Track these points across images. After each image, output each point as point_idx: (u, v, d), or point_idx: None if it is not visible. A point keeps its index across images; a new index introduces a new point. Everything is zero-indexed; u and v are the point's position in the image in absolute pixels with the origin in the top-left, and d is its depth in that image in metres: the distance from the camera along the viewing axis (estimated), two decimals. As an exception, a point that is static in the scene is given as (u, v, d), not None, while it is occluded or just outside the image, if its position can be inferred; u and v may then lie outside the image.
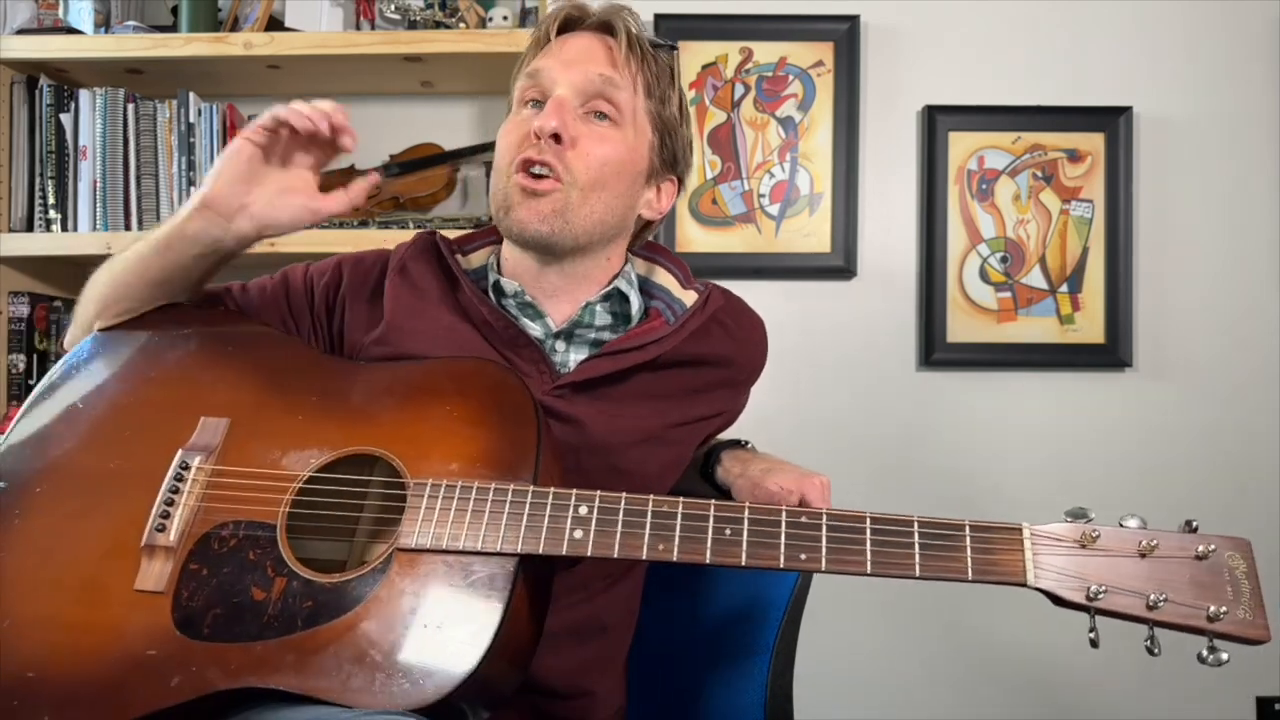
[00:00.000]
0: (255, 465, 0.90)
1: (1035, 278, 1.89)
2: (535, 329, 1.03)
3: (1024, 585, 0.79)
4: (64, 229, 1.83)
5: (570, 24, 1.03)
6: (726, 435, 1.15)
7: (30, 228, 1.85)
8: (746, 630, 1.07)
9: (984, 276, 1.89)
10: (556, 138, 0.96)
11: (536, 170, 0.97)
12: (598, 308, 1.04)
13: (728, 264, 1.88)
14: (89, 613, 0.83)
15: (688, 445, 1.08)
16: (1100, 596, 0.77)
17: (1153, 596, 0.77)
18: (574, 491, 0.85)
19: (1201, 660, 0.76)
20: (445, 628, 0.78)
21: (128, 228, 1.83)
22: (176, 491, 0.88)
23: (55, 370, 1.00)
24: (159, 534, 0.86)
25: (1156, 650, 0.77)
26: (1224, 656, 0.75)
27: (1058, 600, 0.79)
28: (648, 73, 1.01)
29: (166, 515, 0.87)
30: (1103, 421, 1.89)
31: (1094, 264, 1.88)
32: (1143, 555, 0.79)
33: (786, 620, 1.02)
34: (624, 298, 1.05)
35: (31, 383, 1.89)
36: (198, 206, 0.95)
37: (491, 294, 1.05)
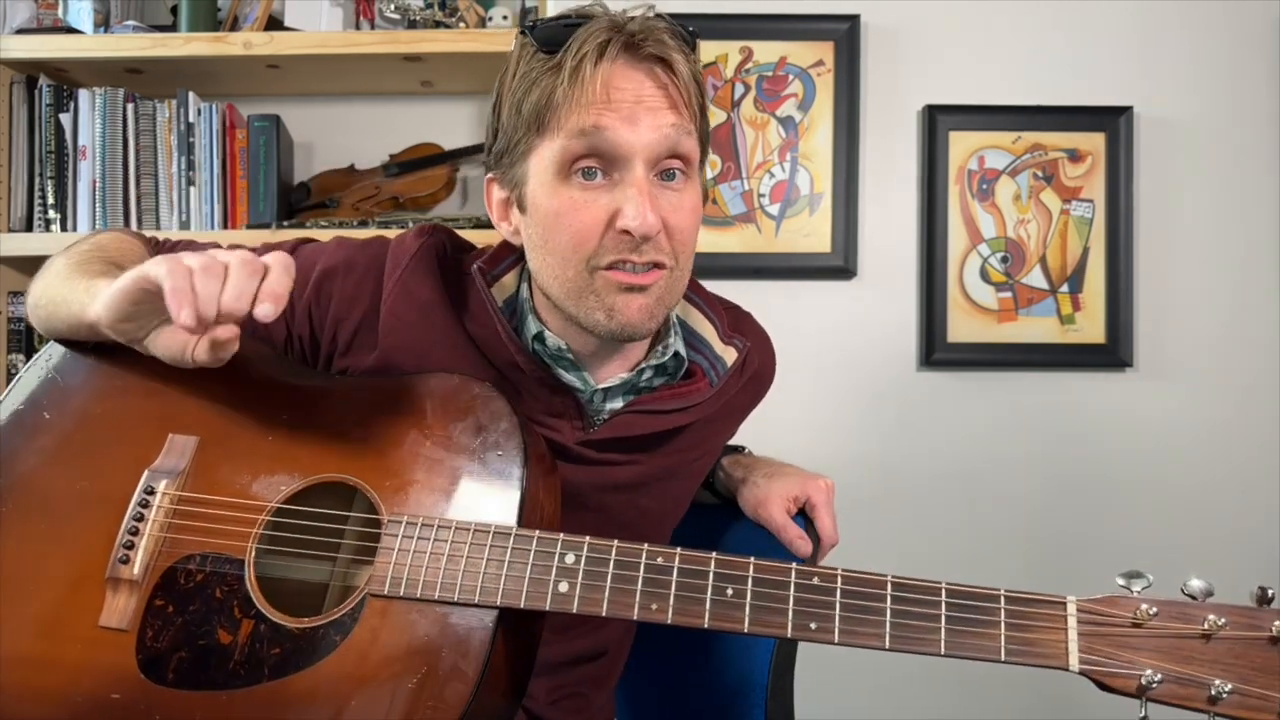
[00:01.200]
0: (224, 490, 0.84)
1: (1036, 278, 1.88)
2: (574, 380, 0.94)
3: (1065, 669, 0.71)
4: (63, 229, 1.83)
5: (613, 52, 0.83)
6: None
7: (30, 228, 1.85)
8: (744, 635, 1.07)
9: (984, 276, 1.89)
10: None
11: (633, 268, 0.85)
12: (648, 370, 0.95)
13: (728, 264, 1.87)
14: (54, 649, 0.79)
15: (703, 473, 1.08)
16: (1154, 686, 0.69)
17: (1216, 686, 0.68)
18: (560, 536, 0.78)
19: None
20: (419, 685, 0.74)
21: (127, 227, 1.83)
22: (141, 519, 0.83)
23: (21, 377, 0.93)
24: (123, 566, 0.81)
25: None
26: None
27: (1105, 687, 0.71)
28: (701, 101, 0.89)
29: (130, 545, 0.82)
30: (1103, 421, 1.89)
31: (1094, 264, 1.88)
32: (1207, 637, 0.70)
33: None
34: (675, 354, 0.97)
35: (31, 383, 1.88)
36: (98, 320, 0.82)
37: (530, 341, 0.94)
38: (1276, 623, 0.69)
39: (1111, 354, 1.87)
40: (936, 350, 1.87)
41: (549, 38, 0.85)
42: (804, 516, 1.01)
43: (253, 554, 0.82)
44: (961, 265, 1.88)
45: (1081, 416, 1.89)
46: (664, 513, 1.01)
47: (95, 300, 0.82)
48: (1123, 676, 0.70)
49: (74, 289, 0.88)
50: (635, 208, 0.82)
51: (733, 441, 1.13)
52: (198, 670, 0.77)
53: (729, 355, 0.98)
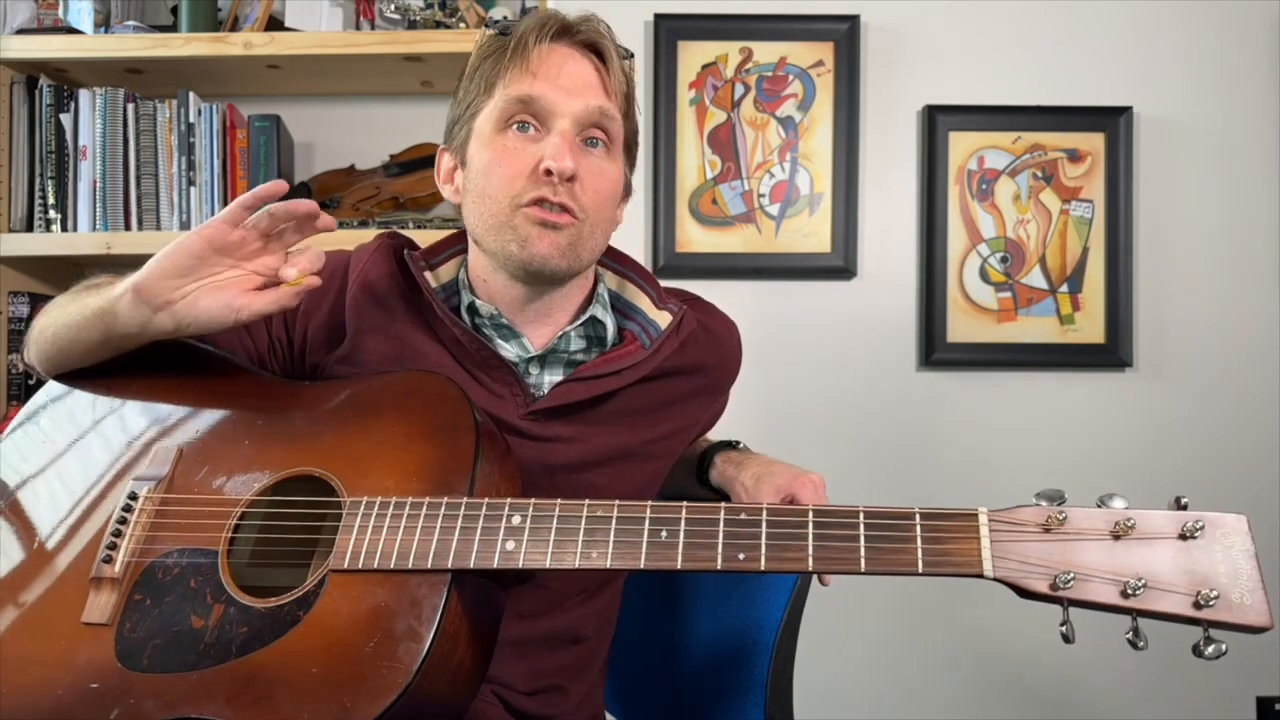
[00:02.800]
0: (202, 491, 0.90)
1: (1035, 278, 1.89)
2: (509, 351, 1.01)
3: (981, 576, 0.73)
4: (64, 229, 1.83)
5: (553, 34, 0.97)
6: (718, 436, 1.15)
7: (30, 228, 1.85)
8: (745, 632, 1.07)
9: (984, 276, 1.89)
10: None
11: (550, 206, 0.94)
12: (572, 334, 1.02)
13: (728, 264, 1.88)
14: (39, 646, 0.84)
15: (667, 458, 1.08)
16: (1068, 585, 0.70)
17: (1130, 583, 0.69)
18: (508, 500, 0.83)
19: (1197, 653, 0.68)
20: (376, 650, 0.76)
21: (127, 228, 1.83)
22: (124, 522, 0.88)
23: (29, 405, 1.02)
24: (105, 565, 0.86)
25: (1141, 644, 0.70)
26: (1223, 648, 0.68)
27: (1022, 592, 0.73)
28: (627, 93, 1.00)
29: (114, 546, 0.87)
30: (1103, 421, 1.89)
31: (1094, 264, 1.88)
32: (1116, 537, 0.72)
33: (785, 621, 1.02)
34: (598, 322, 1.03)
35: (31, 383, 1.89)
36: (130, 289, 0.89)
37: (465, 314, 1.02)
38: (1185, 523, 0.71)
39: (1111, 354, 1.87)
40: (936, 350, 1.88)
41: (505, 26, 1.00)
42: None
43: (225, 545, 0.86)
44: (961, 265, 1.88)
45: (1081, 416, 1.89)
46: (621, 492, 1.00)
47: (124, 281, 0.90)
48: (1036, 578, 0.72)
49: (81, 301, 0.96)
50: (555, 149, 0.94)
51: (727, 437, 1.13)
52: (170, 654, 0.81)
53: (663, 320, 1.03)
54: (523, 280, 0.98)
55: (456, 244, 1.07)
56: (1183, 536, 0.71)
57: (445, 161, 1.05)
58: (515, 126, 0.96)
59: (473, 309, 1.01)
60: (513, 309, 1.01)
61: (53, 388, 1.03)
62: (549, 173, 0.93)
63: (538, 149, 0.94)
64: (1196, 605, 0.69)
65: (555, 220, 0.94)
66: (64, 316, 0.98)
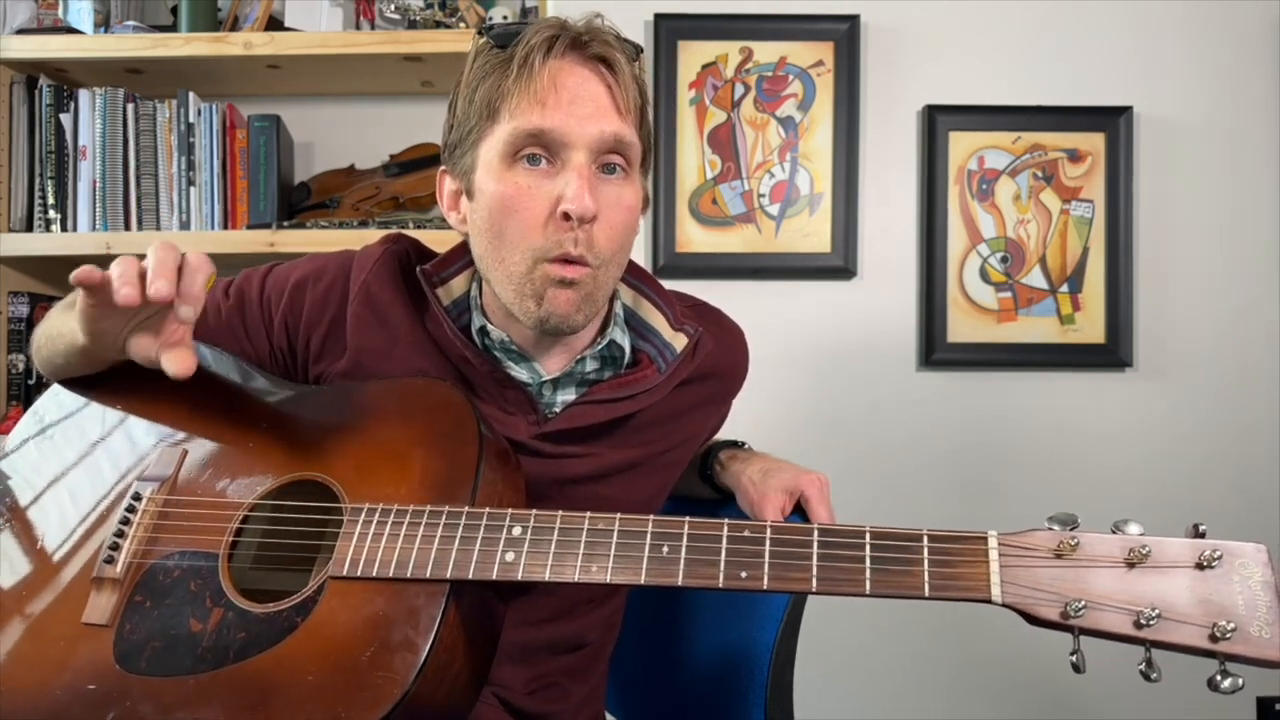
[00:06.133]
0: (205, 494, 0.90)
1: (1035, 278, 1.89)
2: (521, 373, 0.98)
3: (989, 602, 0.71)
4: (64, 229, 1.84)
5: (560, 51, 0.89)
6: (720, 436, 1.15)
7: (30, 228, 1.86)
8: (745, 632, 1.07)
9: (984, 276, 1.89)
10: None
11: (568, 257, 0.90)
12: (589, 357, 0.98)
13: (728, 264, 1.87)
14: (38, 647, 0.84)
15: (676, 468, 1.08)
16: (1080, 613, 0.69)
17: (1144, 613, 0.68)
18: (509, 511, 0.82)
19: (1213, 687, 0.67)
20: (372, 659, 0.76)
21: (127, 228, 1.83)
22: (127, 523, 0.88)
23: (35, 406, 1.02)
24: (107, 566, 0.86)
25: (1155, 675, 0.68)
26: (1239, 682, 0.66)
27: (1031, 619, 0.71)
28: (642, 103, 0.94)
29: (116, 547, 0.87)
30: (1103, 421, 1.89)
31: (1094, 264, 1.88)
32: (1131, 565, 0.70)
33: (786, 622, 1.02)
34: (615, 343, 1.00)
35: (31, 383, 1.89)
36: (84, 345, 0.90)
37: (476, 336, 0.98)
38: (1203, 552, 0.69)
39: (1111, 354, 1.87)
40: (936, 350, 1.88)
41: (503, 35, 0.91)
42: (801, 514, 1.01)
43: (227, 549, 0.86)
44: (961, 265, 1.88)
45: (1081, 416, 1.89)
46: (631, 503, 1.00)
47: (77, 336, 0.90)
48: (1046, 605, 0.70)
49: (66, 321, 0.95)
50: (575, 190, 0.87)
51: (731, 437, 1.13)
52: (168, 658, 0.81)
53: (679, 342, 1.01)
54: (540, 332, 0.94)
55: (467, 253, 1.01)
56: (1200, 566, 0.69)
57: (448, 184, 0.99)
58: (525, 160, 0.90)
59: (484, 331, 0.98)
60: (527, 342, 0.98)
61: (58, 388, 1.02)
62: (567, 216, 0.87)
63: (553, 187, 0.89)
64: (1212, 638, 0.67)
65: (572, 276, 0.89)
66: (48, 329, 1.00)
